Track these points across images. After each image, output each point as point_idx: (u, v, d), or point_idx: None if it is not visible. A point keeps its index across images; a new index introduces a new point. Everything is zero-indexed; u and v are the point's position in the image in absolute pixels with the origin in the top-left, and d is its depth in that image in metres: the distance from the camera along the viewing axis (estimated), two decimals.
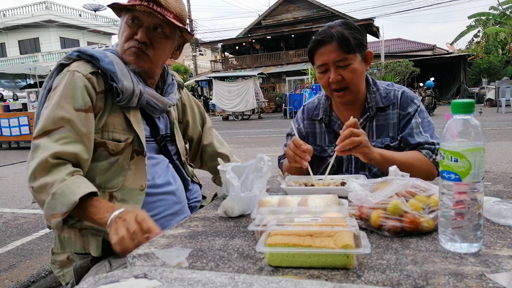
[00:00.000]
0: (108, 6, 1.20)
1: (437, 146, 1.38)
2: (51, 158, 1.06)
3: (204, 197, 1.56)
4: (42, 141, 1.09)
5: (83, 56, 1.20)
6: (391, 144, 1.46)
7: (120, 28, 1.24)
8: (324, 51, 1.39)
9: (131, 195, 1.17)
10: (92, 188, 1.06)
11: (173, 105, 1.41)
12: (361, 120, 1.49)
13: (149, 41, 1.20)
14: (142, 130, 1.24)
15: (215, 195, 1.55)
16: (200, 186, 1.54)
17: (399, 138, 1.46)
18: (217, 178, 1.57)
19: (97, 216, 1.03)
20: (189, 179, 1.44)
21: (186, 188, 1.40)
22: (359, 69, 1.40)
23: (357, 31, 1.41)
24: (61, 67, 1.21)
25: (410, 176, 0.96)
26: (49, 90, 1.19)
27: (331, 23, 1.44)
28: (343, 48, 1.36)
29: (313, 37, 1.44)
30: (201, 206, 1.46)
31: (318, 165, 1.55)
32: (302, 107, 1.69)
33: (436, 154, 1.37)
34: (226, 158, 1.55)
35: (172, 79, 1.41)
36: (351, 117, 1.28)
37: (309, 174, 1.30)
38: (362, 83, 1.46)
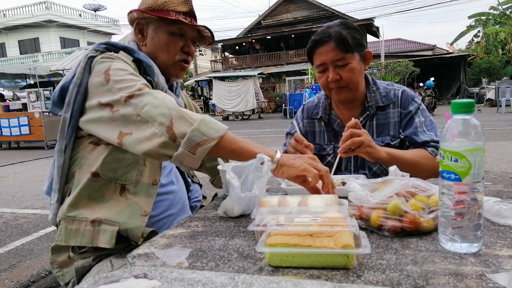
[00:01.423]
0: (167, 19, 1.23)
1: None
2: (173, 101, 1.04)
3: (204, 197, 1.56)
4: (144, 91, 1.05)
5: (111, 49, 1.21)
6: (392, 143, 1.46)
7: (156, 37, 1.26)
8: (322, 51, 1.40)
9: (143, 188, 1.17)
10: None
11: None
12: (361, 118, 1.49)
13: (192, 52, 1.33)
14: None
15: (215, 195, 1.55)
16: (201, 186, 1.54)
17: (401, 137, 1.46)
18: (215, 179, 1.57)
19: (255, 148, 1.04)
20: (190, 179, 1.45)
21: (187, 188, 1.41)
22: (357, 68, 1.41)
23: (356, 30, 1.42)
24: (90, 59, 1.17)
25: (417, 173, 0.97)
26: (85, 87, 1.14)
27: (330, 23, 1.45)
28: (341, 48, 1.37)
29: (312, 37, 1.45)
30: (201, 206, 1.46)
31: None
32: (302, 106, 1.70)
33: None
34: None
35: (177, 82, 1.43)
36: (352, 118, 1.29)
37: None
38: (361, 82, 1.47)
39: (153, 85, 1.19)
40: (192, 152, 0.99)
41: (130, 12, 1.27)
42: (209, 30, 1.33)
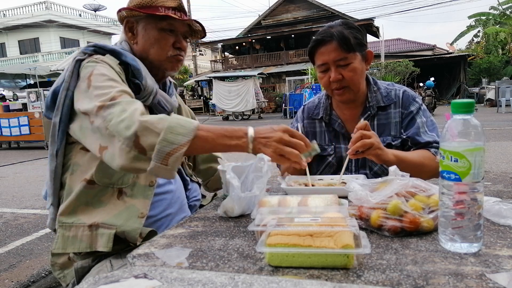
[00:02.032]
0: (156, 15, 1.21)
1: None
2: (139, 112, 1.00)
3: (203, 196, 1.56)
4: (116, 101, 1.01)
5: (99, 51, 1.20)
6: (393, 143, 1.46)
7: (146, 34, 1.25)
8: (324, 50, 1.40)
9: (140, 190, 1.17)
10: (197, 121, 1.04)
11: (176, 107, 1.42)
12: (362, 119, 1.49)
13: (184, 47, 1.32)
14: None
15: (215, 194, 1.55)
16: (199, 185, 1.54)
17: (402, 137, 1.46)
18: (208, 182, 1.56)
19: (227, 140, 1.00)
20: (188, 178, 1.45)
21: (186, 188, 1.41)
22: (359, 68, 1.41)
23: (357, 30, 1.42)
24: (78, 62, 1.17)
25: (421, 174, 0.97)
26: (73, 91, 1.13)
27: (331, 23, 1.45)
28: (343, 48, 1.37)
29: (313, 37, 1.45)
30: (201, 206, 1.46)
31: (318, 164, 1.55)
32: (302, 107, 1.70)
33: None
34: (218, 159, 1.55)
35: (170, 81, 1.42)
36: (362, 119, 1.29)
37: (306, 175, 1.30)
38: (363, 82, 1.47)
39: (141, 88, 1.18)
40: (164, 163, 0.96)
41: (119, 10, 1.26)
42: (200, 24, 1.32)
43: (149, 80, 1.21)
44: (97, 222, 1.12)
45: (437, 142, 1.41)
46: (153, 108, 1.28)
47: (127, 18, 1.26)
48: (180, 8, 1.26)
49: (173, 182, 1.31)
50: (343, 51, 1.37)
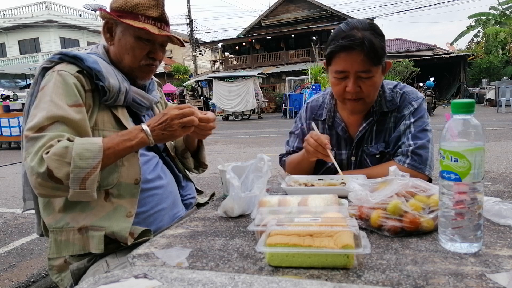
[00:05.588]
0: (135, 27, 1.20)
1: (412, 148, 1.33)
2: (53, 141, 1.04)
3: (200, 192, 1.57)
4: (39, 134, 1.06)
5: (65, 59, 1.21)
6: (385, 151, 1.42)
7: (123, 39, 1.24)
8: (348, 58, 1.27)
9: (126, 189, 1.18)
10: (100, 138, 1.10)
11: (157, 102, 1.44)
12: (364, 124, 1.44)
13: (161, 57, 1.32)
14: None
15: (213, 194, 1.55)
16: (193, 182, 1.54)
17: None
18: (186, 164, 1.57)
19: (128, 144, 1.09)
20: (181, 175, 1.45)
21: (179, 184, 1.41)
22: (378, 82, 1.34)
23: (383, 38, 1.30)
24: (44, 70, 1.21)
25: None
26: (36, 96, 1.17)
27: (357, 25, 1.28)
28: (371, 60, 1.25)
29: (339, 39, 1.27)
30: (199, 204, 1.46)
31: (318, 167, 1.53)
32: (305, 105, 1.65)
33: (409, 157, 1.34)
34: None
35: (152, 78, 1.43)
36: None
37: (336, 170, 1.31)
38: (376, 95, 1.40)
39: (105, 89, 1.19)
40: (82, 188, 1.02)
41: (100, 9, 1.26)
42: (177, 38, 1.31)
43: (112, 81, 1.20)
44: (86, 225, 1.13)
45: (417, 147, 1.33)
46: (130, 106, 1.29)
47: (107, 19, 1.26)
48: (161, 19, 1.25)
49: (163, 177, 1.31)
50: (369, 63, 1.25)
